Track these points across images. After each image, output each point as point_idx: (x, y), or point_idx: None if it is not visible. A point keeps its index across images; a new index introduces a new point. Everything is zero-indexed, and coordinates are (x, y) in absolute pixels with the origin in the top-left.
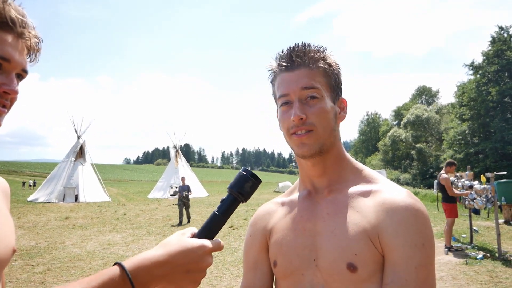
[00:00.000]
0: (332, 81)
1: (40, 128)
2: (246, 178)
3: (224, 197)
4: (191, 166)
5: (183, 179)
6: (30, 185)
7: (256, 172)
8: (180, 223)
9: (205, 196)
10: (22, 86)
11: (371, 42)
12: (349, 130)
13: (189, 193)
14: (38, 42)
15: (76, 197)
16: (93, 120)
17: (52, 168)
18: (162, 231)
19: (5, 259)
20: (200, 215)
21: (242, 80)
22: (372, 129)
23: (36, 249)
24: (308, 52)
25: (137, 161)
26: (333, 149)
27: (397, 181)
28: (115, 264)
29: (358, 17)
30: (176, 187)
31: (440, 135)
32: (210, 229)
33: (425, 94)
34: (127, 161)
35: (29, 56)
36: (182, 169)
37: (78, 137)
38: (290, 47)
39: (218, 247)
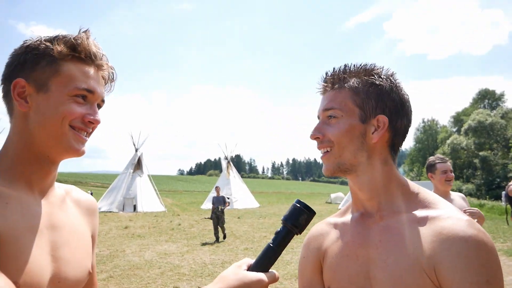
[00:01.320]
0: (361, 99)
1: (101, 142)
2: (300, 211)
3: (279, 229)
4: (242, 177)
5: (217, 189)
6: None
7: (307, 182)
8: (216, 240)
9: (257, 207)
10: None
11: (425, 44)
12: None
13: (225, 205)
14: (113, 73)
15: (135, 207)
16: (149, 133)
17: (112, 179)
18: (215, 242)
19: (80, 282)
20: (252, 227)
21: (291, 91)
22: (429, 137)
23: (100, 256)
24: (337, 74)
25: (190, 172)
26: (372, 170)
27: (459, 191)
28: None
29: (410, 18)
30: (228, 198)
31: (507, 141)
32: (265, 262)
33: (488, 98)
34: (181, 172)
35: (105, 85)
36: (234, 180)
37: (136, 150)
38: (326, 72)
39: (274, 280)
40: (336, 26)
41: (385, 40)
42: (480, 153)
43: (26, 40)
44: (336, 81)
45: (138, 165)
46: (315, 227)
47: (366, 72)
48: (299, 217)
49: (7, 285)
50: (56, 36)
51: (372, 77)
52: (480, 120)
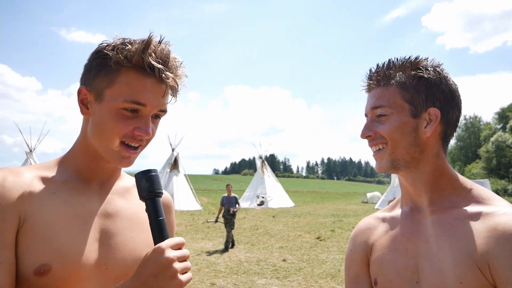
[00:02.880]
0: (410, 94)
1: None
2: (139, 180)
3: (146, 207)
4: (276, 176)
5: (228, 188)
6: None
7: (342, 182)
8: (225, 249)
9: (291, 206)
10: None
11: (466, 37)
12: None
13: (236, 208)
14: (178, 82)
15: None
16: (185, 133)
17: None
18: (250, 240)
19: (131, 270)
20: (287, 226)
21: (325, 89)
22: (471, 135)
23: None
24: (382, 70)
25: (225, 172)
26: (424, 165)
27: (505, 191)
28: None
29: (451, 10)
30: (263, 197)
31: None
32: (156, 235)
33: None
34: (216, 172)
35: (169, 96)
36: (268, 179)
37: (172, 150)
38: (370, 69)
39: (174, 243)
40: (372, 22)
41: (422, 34)
42: None
43: (103, 42)
44: (381, 77)
45: (174, 164)
46: (363, 221)
47: (412, 65)
48: (141, 185)
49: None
50: (122, 43)
51: (419, 70)
52: None
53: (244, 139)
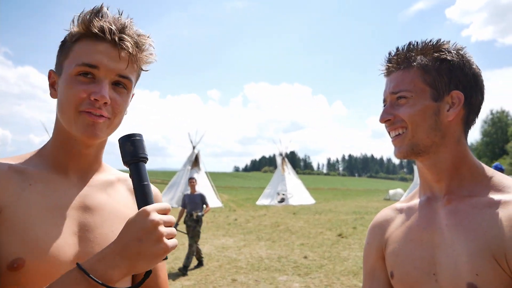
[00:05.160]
0: (434, 77)
1: (161, 140)
2: (123, 144)
3: (130, 173)
4: (297, 173)
5: (192, 182)
6: None
7: (364, 179)
8: (184, 269)
9: (312, 203)
10: (146, 103)
11: (492, 30)
12: (470, 132)
13: (202, 211)
14: (139, 50)
15: None
16: (205, 131)
17: (171, 176)
18: (271, 236)
19: None
20: (308, 223)
21: (346, 84)
22: (498, 130)
23: None
24: (405, 53)
25: (245, 169)
26: (444, 151)
27: None
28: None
29: (475, 2)
30: (284, 194)
31: None
32: (140, 199)
33: None
34: (236, 169)
35: (133, 59)
36: (289, 176)
37: (193, 147)
38: (389, 52)
39: (158, 206)
40: (394, 16)
41: (447, 27)
42: None
43: None
44: (401, 60)
45: (195, 162)
46: (381, 213)
47: (434, 48)
48: (125, 148)
49: None
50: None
51: (442, 52)
52: None
53: (264, 136)
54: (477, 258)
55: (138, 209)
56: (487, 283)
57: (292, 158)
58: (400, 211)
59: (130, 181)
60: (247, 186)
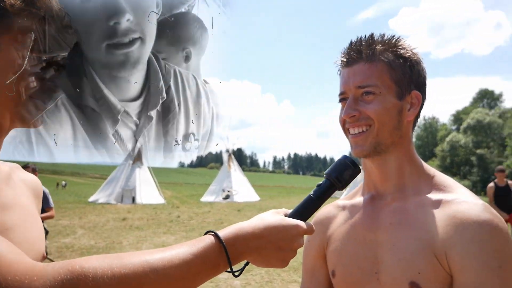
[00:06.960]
0: (399, 74)
1: None
2: (346, 165)
3: (321, 182)
4: (243, 170)
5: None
6: (63, 186)
7: (308, 177)
8: None
9: (257, 200)
10: None
11: (429, 43)
12: None
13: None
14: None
15: (133, 199)
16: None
17: (111, 170)
18: None
19: None
20: None
21: (292, 85)
22: (429, 134)
23: (95, 248)
24: (369, 44)
25: (191, 165)
26: (398, 150)
27: None
28: (207, 232)
29: (416, 16)
30: (229, 191)
31: (503, 140)
32: (304, 211)
33: (487, 98)
34: (182, 165)
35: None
36: (235, 173)
37: (136, 141)
38: (351, 41)
39: (311, 230)
40: (343, 21)
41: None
42: (477, 151)
43: None
44: (365, 52)
45: (138, 156)
46: (323, 210)
47: (397, 44)
48: (344, 172)
49: (8, 247)
50: None
51: (405, 50)
52: (478, 119)
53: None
54: (420, 257)
55: (294, 215)
56: (429, 282)
57: (239, 155)
58: (343, 208)
59: (19, 171)
60: (192, 182)
